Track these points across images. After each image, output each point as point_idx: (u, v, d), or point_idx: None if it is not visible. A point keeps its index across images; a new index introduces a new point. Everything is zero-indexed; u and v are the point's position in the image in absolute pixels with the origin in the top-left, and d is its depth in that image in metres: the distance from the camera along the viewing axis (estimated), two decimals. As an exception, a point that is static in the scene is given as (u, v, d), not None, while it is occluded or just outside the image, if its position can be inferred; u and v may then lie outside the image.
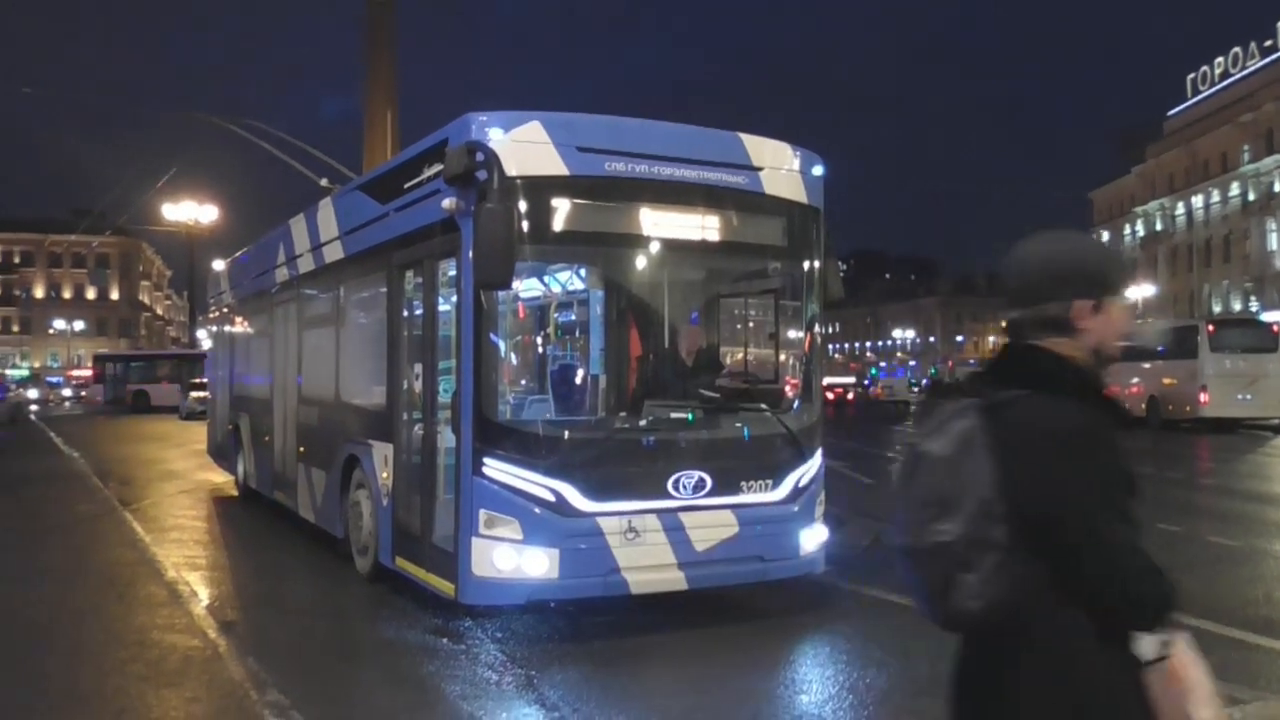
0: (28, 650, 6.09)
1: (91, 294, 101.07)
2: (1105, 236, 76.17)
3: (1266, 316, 38.51)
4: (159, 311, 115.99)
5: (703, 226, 6.77)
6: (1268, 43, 56.96)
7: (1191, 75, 64.42)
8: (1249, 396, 28.35)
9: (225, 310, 14.81)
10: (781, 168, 7.01)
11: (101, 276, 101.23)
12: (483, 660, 6.06)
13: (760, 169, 6.89)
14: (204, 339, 34.49)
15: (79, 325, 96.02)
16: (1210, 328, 29.61)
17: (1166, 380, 30.16)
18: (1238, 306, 57.59)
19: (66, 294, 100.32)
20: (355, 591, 8.00)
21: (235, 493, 13.48)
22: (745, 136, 6.98)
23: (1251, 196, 57.64)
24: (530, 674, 5.78)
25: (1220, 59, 61.33)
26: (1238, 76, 59.65)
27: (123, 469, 17.94)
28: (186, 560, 9.17)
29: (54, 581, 8.09)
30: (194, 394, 34.48)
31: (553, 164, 6.27)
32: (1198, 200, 62.75)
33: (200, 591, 7.86)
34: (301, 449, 10.07)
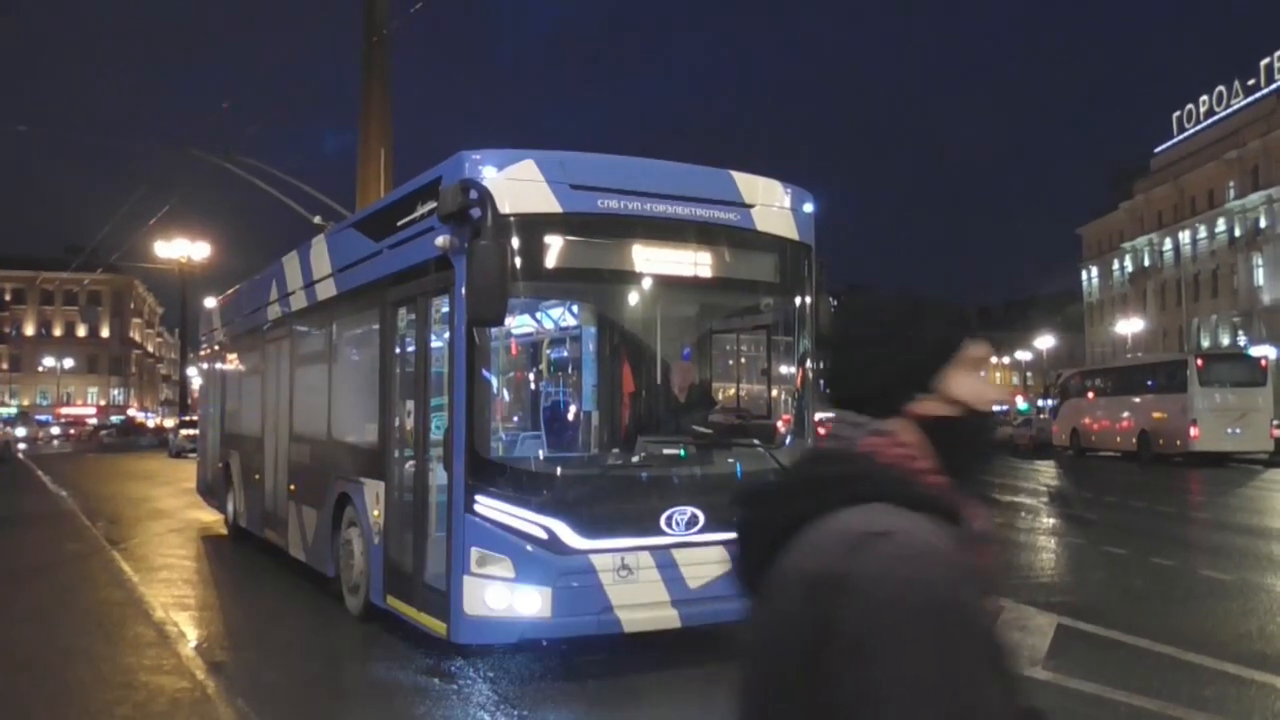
0: (14, 691, 6.01)
1: (82, 331, 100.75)
2: (1095, 272, 76.87)
3: (1255, 351, 38.68)
4: (150, 349, 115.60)
5: (695, 263, 6.81)
6: (1251, 81, 57.74)
7: (1177, 113, 65.20)
8: (1238, 430, 28.45)
9: (217, 347, 14.78)
10: (772, 204, 7.07)
11: (93, 314, 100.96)
12: (475, 700, 5.99)
13: (751, 206, 6.95)
14: (195, 376, 34.36)
15: (69, 363, 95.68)
16: (1199, 362, 29.75)
17: (1156, 414, 30.27)
18: (1226, 341, 57.92)
19: (57, 331, 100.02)
20: (346, 631, 7.93)
21: (225, 531, 13.37)
22: (736, 174, 7.04)
23: (1238, 232, 58.16)
24: (523, 714, 5.72)
25: (1205, 97, 62.10)
26: (1222, 114, 60.37)
27: (111, 507, 17.79)
28: (175, 600, 9.08)
29: (41, 621, 7.99)
30: (183, 431, 34.39)
31: (546, 202, 6.32)
32: (1185, 236, 63.29)
33: (189, 632, 7.77)
34: (292, 487, 10.01)
